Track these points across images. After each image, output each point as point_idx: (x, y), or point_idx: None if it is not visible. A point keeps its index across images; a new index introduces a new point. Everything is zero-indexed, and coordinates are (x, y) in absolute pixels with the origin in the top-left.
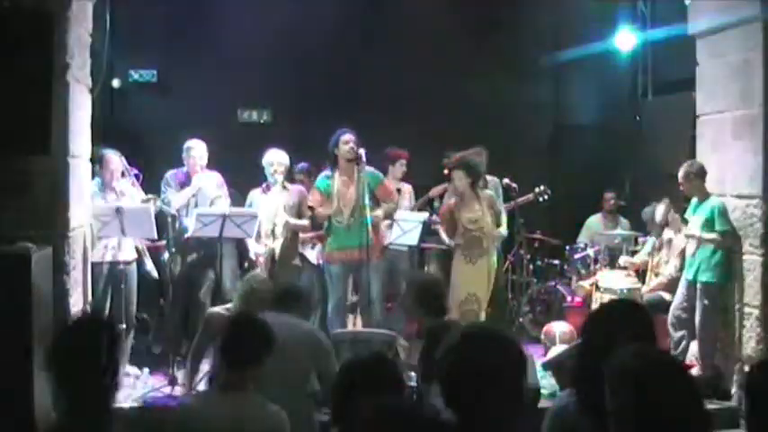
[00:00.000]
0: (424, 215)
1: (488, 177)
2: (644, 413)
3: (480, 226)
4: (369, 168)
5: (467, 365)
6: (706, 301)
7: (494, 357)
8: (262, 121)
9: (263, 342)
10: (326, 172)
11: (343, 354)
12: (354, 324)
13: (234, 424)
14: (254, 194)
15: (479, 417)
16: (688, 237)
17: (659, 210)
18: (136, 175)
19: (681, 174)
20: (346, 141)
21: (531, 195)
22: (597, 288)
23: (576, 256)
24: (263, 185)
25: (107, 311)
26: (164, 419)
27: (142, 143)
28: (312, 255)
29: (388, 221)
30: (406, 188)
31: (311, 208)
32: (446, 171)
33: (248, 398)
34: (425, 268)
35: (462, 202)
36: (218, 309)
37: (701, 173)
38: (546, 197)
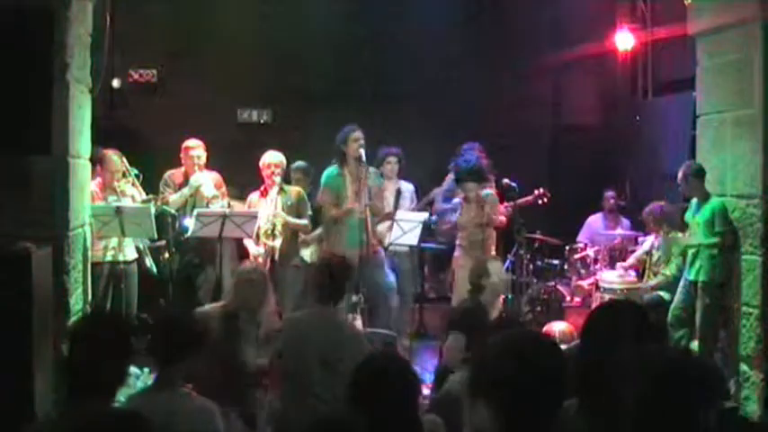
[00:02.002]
0: (424, 215)
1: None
2: (645, 411)
3: (482, 229)
4: (373, 169)
5: (524, 375)
6: (707, 301)
7: (551, 365)
8: (262, 121)
9: (187, 339)
10: (333, 168)
11: None
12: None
13: (165, 418)
14: (253, 197)
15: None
16: (690, 247)
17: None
18: (136, 175)
19: (680, 174)
20: (356, 139)
21: (530, 198)
22: (597, 288)
23: (576, 256)
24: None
25: (107, 311)
26: None
27: (142, 143)
28: (306, 253)
29: (388, 222)
30: (406, 187)
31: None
32: (452, 176)
33: (177, 394)
34: (425, 268)
35: (468, 206)
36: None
37: (700, 173)
38: (546, 200)
